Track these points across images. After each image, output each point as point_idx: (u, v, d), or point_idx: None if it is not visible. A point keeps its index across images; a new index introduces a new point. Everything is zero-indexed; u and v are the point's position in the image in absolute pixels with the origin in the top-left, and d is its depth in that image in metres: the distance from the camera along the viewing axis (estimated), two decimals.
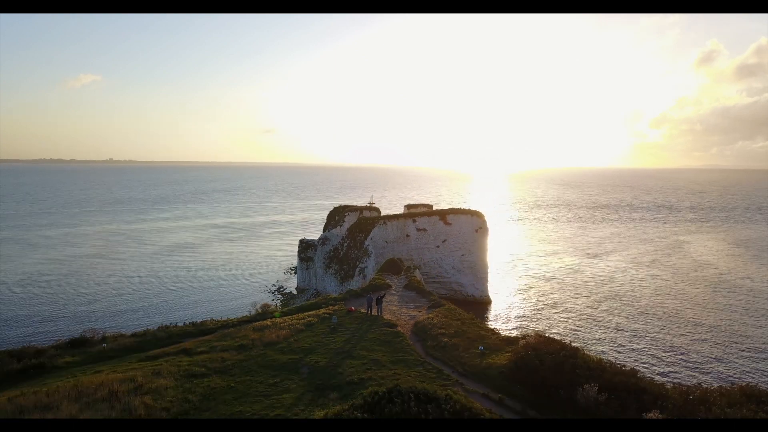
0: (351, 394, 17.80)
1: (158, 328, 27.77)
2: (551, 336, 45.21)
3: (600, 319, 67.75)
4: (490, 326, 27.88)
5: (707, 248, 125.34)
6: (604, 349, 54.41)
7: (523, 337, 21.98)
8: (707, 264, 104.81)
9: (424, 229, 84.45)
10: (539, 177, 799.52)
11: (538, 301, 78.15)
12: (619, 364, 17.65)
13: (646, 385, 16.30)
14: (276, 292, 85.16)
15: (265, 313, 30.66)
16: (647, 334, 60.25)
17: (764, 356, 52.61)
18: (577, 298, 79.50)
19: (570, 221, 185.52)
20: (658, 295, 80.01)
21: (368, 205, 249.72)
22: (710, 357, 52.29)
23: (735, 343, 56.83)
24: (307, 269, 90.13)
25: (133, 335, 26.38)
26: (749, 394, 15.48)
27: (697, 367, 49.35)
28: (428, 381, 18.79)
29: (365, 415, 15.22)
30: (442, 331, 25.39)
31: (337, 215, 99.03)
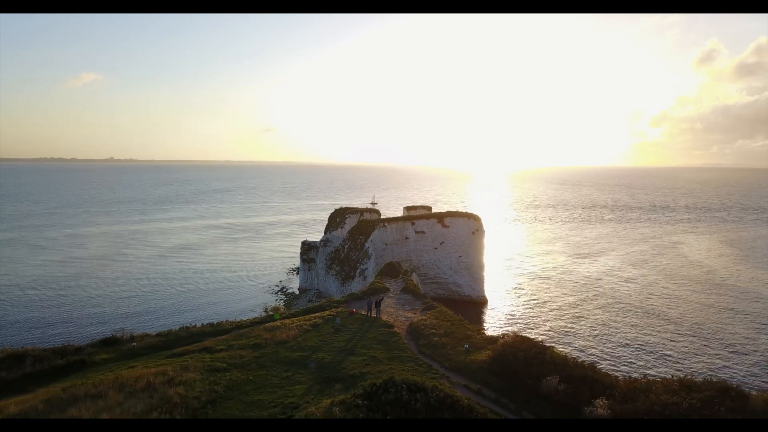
0: (353, 385, 20.92)
1: (180, 328, 30.94)
2: (528, 335, 48.49)
3: (588, 316, 71.14)
4: (477, 327, 30.85)
5: (699, 248, 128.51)
6: (589, 344, 57.79)
7: (502, 336, 25.13)
8: (698, 264, 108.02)
9: (423, 232, 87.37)
10: (539, 176, 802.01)
11: (532, 300, 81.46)
12: (581, 359, 20.63)
13: (600, 377, 19.41)
14: (279, 293, 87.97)
15: (275, 315, 33.79)
16: (631, 331, 63.61)
17: (735, 351, 55.91)
18: (568, 296, 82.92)
19: (566, 221, 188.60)
20: (647, 294, 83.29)
21: (370, 204, 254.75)
22: (685, 352, 55.70)
23: (708, 339, 60.13)
24: (309, 270, 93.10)
25: (158, 335, 29.55)
26: (685, 385, 18.53)
27: (666, 361, 52.71)
28: (419, 374, 21.93)
29: (365, 402, 18.35)
30: (433, 331, 28.59)
31: (338, 217, 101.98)
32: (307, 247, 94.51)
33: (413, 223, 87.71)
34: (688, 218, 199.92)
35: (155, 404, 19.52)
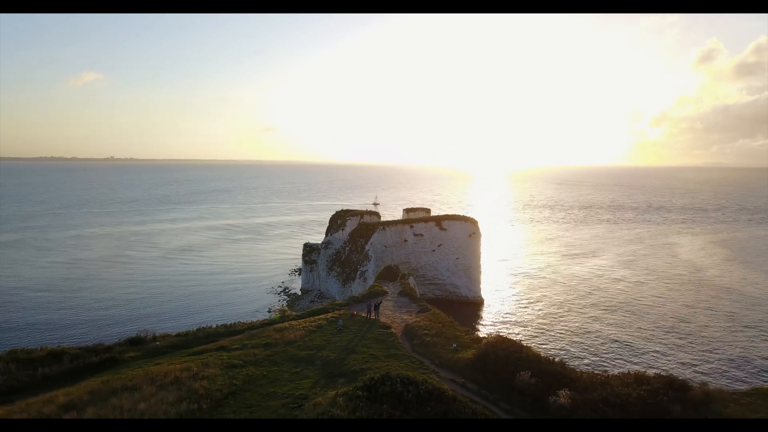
0: (354, 379, 24.05)
1: (197, 329, 34.13)
2: (517, 333, 51.83)
3: (576, 315, 74.90)
4: (465, 328, 33.89)
5: (691, 249, 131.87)
6: (573, 341, 61.29)
7: (486, 337, 28.26)
8: (688, 264, 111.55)
9: (421, 235, 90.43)
10: (539, 176, 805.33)
11: (526, 300, 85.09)
12: (556, 357, 23.65)
13: (567, 372, 22.53)
14: (282, 293, 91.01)
15: (283, 317, 36.93)
16: (612, 330, 67.23)
17: (706, 349, 59.42)
18: (560, 296, 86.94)
19: (562, 222, 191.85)
20: (634, 294, 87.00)
21: (373, 205, 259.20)
22: (657, 350, 59.35)
23: (683, 338, 63.66)
24: (311, 271, 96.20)
25: (178, 335, 32.71)
26: (638, 378, 21.66)
27: (639, 357, 56.24)
28: (412, 370, 25.03)
29: (365, 393, 21.46)
30: (426, 332, 31.77)
31: (339, 219, 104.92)
32: (308, 249, 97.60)
33: (412, 226, 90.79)
34: (684, 219, 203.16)
35: (184, 395, 22.61)
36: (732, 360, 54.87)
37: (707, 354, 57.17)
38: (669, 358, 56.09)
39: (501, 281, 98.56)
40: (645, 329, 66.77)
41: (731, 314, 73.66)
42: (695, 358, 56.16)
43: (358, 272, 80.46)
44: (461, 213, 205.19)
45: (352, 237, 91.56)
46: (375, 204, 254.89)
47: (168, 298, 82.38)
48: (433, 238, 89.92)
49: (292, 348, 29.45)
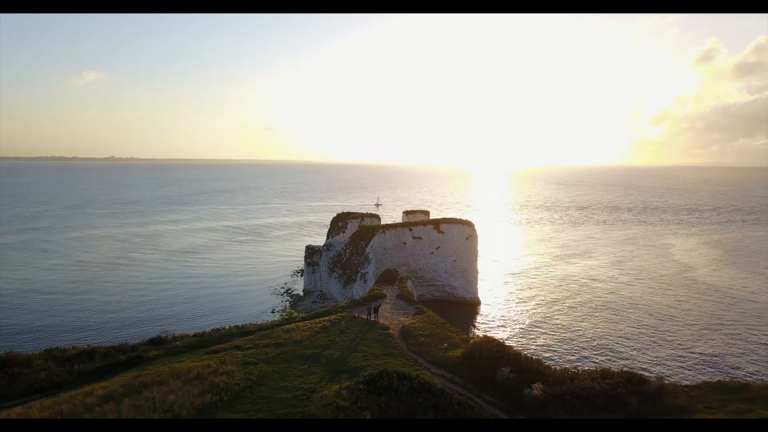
0: (356, 375, 27.24)
1: (212, 330, 37.35)
2: (509, 331, 55.07)
3: (565, 315, 78.36)
4: (456, 329, 37.01)
5: (684, 250, 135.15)
6: (562, 338, 64.60)
7: (473, 337, 31.41)
8: (678, 265, 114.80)
9: (420, 237, 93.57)
10: (539, 176, 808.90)
11: (520, 300, 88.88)
12: (531, 355, 26.68)
13: (542, 368, 25.68)
14: (285, 294, 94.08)
15: (290, 318, 40.10)
16: (594, 329, 70.62)
17: (679, 347, 63.12)
18: (552, 295, 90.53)
19: (558, 222, 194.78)
20: (621, 294, 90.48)
21: (375, 205, 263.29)
22: (634, 348, 62.79)
23: (658, 337, 67.04)
24: (313, 273, 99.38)
25: (195, 335, 35.92)
26: (604, 373, 24.79)
27: (616, 355, 59.66)
28: (407, 366, 28.18)
29: (365, 387, 24.64)
30: (420, 332, 34.96)
31: (340, 221, 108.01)
32: (311, 251, 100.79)
33: (411, 229, 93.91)
34: (679, 220, 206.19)
35: (207, 389, 25.77)
36: (701, 357, 58.54)
37: (679, 352, 60.75)
38: (644, 355, 59.78)
39: (497, 282, 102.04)
40: (626, 329, 70.50)
41: (710, 314, 77.15)
42: (667, 354, 59.81)
43: (359, 274, 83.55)
44: (459, 213, 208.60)
45: (353, 239, 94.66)
46: (377, 205, 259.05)
47: (177, 300, 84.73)
48: (432, 240, 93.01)
49: (299, 347, 32.67)
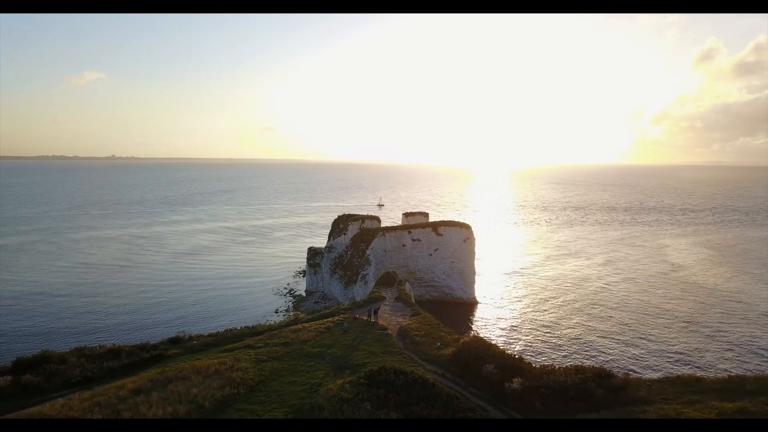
0: (358, 371, 30.45)
1: (225, 330, 40.63)
2: (493, 333, 58.60)
3: (555, 313, 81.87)
4: (449, 329, 40.22)
5: (676, 251, 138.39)
6: (548, 336, 68.17)
7: (464, 337, 34.65)
8: (669, 265, 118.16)
9: (419, 240, 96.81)
10: (539, 175, 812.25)
11: (515, 299, 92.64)
12: (518, 353, 29.69)
13: (523, 365, 28.92)
14: (288, 295, 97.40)
15: (297, 320, 43.38)
16: (577, 329, 74.13)
17: (650, 342, 66.86)
18: (543, 294, 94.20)
19: (554, 223, 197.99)
20: (612, 293, 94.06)
21: (378, 206, 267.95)
22: (612, 347, 66.21)
23: (635, 337, 70.54)
24: (315, 274, 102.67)
25: (210, 335, 39.20)
26: (578, 369, 27.97)
27: (595, 354, 62.99)
28: (403, 363, 31.39)
29: (366, 381, 27.85)
30: (416, 333, 38.23)
31: (341, 223, 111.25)
32: (313, 253, 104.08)
33: (410, 232, 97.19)
34: (674, 221, 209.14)
35: (225, 383, 28.99)
36: (676, 355, 62.24)
37: (657, 349, 64.59)
38: (623, 352, 63.63)
39: (494, 282, 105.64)
40: (610, 327, 74.30)
41: (693, 313, 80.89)
42: (645, 352, 63.68)
43: (360, 275, 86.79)
44: (457, 214, 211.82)
45: (354, 242, 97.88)
46: (380, 205, 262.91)
47: (187, 302, 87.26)
48: (430, 243, 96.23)
49: (306, 346, 35.95)
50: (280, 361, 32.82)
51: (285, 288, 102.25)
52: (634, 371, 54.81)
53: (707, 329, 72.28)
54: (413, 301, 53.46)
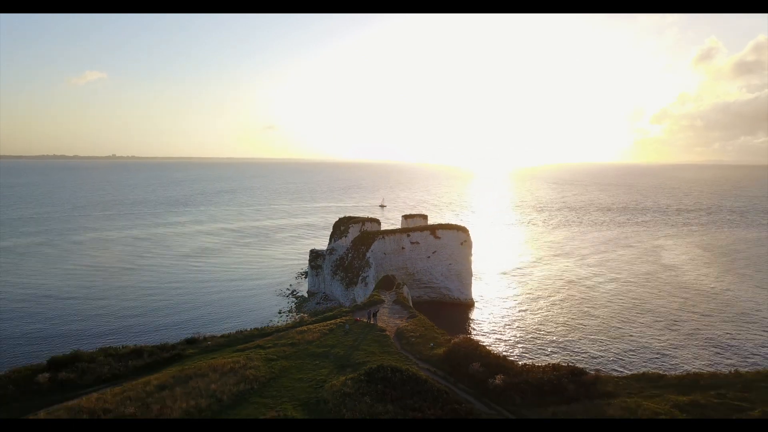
0: (358, 369, 33.90)
1: (236, 331, 44.10)
2: (480, 333, 62.31)
3: (546, 313, 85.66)
4: (442, 331, 43.72)
5: (669, 251, 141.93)
6: (539, 334, 72.07)
7: (455, 338, 38.09)
8: (660, 266, 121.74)
9: (417, 243, 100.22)
10: (539, 175, 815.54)
11: (510, 299, 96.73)
12: (504, 352, 32.96)
13: (506, 363, 32.38)
14: (290, 296, 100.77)
15: (302, 321, 46.85)
16: (566, 327, 78.00)
17: (631, 345, 70.12)
18: (537, 293, 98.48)
19: (550, 223, 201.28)
20: (600, 293, 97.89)
21: (380, 206, 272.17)
22: (592, 347, 69.57)
23: (615, 336, 74.23)
24: (316, 275, 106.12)
25: (222, 336, 42.70)
26: (554, 367, 31.40)
27: (577, 353, 66.61)
28: (399, 362, 34.82)
29: (366, 378, 31.28)
30: (412, 334, 41.73)
31: (342, 226, 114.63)
32: (314, 255, 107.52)
33: (408, 235, 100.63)
34: (669, 220, 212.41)
35: (240, 379, 32.40)
36: (652, 354, 65.98)
37: (631, 348, 68.40)
38: (603, 351, 67.48)
39: (490, 282, 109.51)
40: (595, 326, 78.24)
41: (673, 313, 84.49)
42: (623, 350, 67.64)
43: (360, 277, 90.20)
44: (455, 215, 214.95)
45: (355, 244, 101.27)
46: (382, 206, 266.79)
47: (196, 305, 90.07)
48: (428, 245, 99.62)
49: (311, 346, 39.44)
50: (288, 360, 36.26)
51: (287, 289, 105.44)
52: (612, 369, 58.51)
53: (687, 328, 75.93)
54: (410, 304, 56.96)
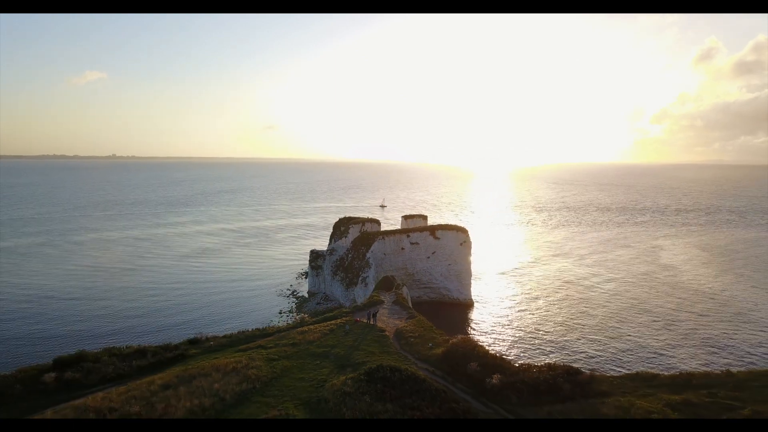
0: (358, 369, 34.55)
1: (238, 332, 44.76)
2: (478, 333, 63.05)
3: (543, 313, 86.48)
4: (440, 331, 44.38)
5: (667, 251, 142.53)
6: (537, 334, 72.81)
7: (453, 338, 38.73)
8: (657, 266, 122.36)
9: (417, 243, 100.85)
10: (539, 175, 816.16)
11: (508, 299, 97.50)
12: (501, 352, 33.61)
13: (503, 363, 33.03)
14: (291, 296, 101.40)
15: (303, 322, 47.51)
16: (564, 327, 78.62)
17: (621, 342, 70.72)
18: (535, 293, 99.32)
19: (548, 223, 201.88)
20: (597, 293, 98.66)
21: (380, 206, 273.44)
22: (587, 347, 70.27)
23: (610, 337, 74.77)
24: (317, 276, 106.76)
25: (224, 336, 43.36)
26: (550, 366, 32.05)
27: (571, 352, 67.44)
28: (399, 362, 35.48)
29: (365, 377, 31.93)
30: (411, 334, 42.39)
31: (342, 226, 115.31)
32: (315, 255, 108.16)
33: (408, 236, 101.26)
34: (668, 221, 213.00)
35: (242, 379, 33.05)
36: (646, 353, 66.68)
37: (627, 348, 69.09)
38: (601, 352, 68.09)
39: (489, 282, 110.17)
40: (592, 325, 79.03)
41: (670, 313, 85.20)
42: (617, 350, 68.18)
43: (360, 278, 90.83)
44: (455, 215, 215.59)
45: (355, 245, 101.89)
46: (382, 206, 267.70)
47: (197, 305, 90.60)
48: (428, 246, 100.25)
49: (312, 346, 40.11)
50: (289, 360, 36.93)
51: (288, 289, 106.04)
52: (609, 368, 59.19)
53: (684, 328, 76.63)
54: (410, 305, 57.64)
